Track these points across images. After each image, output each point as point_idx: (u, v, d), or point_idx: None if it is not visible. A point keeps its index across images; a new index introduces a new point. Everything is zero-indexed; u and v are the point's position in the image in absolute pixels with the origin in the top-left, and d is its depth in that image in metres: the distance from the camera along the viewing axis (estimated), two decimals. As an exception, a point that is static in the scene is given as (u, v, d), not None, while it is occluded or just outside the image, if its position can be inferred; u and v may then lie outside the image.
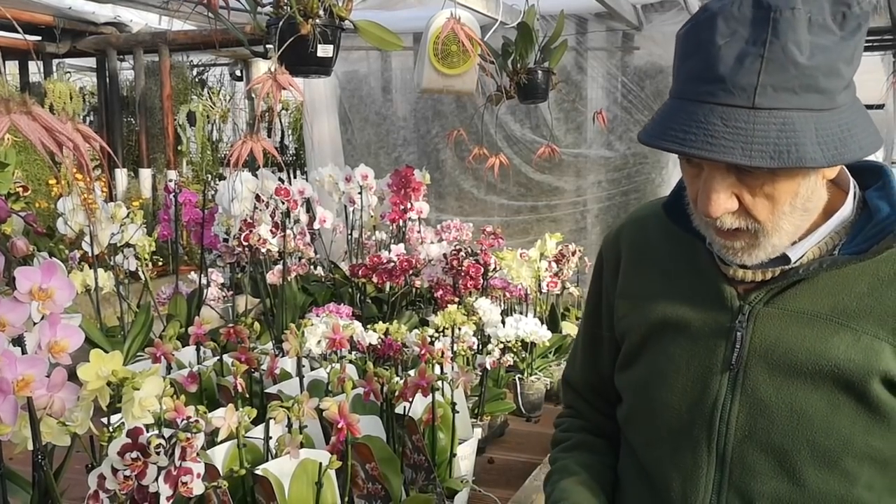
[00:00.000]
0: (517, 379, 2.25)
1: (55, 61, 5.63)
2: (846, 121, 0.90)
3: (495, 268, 2.58)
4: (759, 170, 0.91)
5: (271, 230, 2.44)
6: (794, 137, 0.87)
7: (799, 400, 0.99)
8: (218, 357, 1.87)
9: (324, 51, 1.73)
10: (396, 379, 1.60)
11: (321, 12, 1.73)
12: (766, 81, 0.87)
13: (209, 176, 5.72)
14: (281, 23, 1.70)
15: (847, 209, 1.03)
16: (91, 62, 5.84)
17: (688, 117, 0.90)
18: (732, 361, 1.03)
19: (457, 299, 2.43)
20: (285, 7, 1.71)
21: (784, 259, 1.01)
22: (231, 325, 1.88)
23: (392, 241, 3.09)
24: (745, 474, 1.02)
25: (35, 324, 1.12)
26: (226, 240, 2.58)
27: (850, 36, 0.89)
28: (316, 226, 2.90)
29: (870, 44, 4.17)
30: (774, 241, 0.98)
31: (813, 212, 1.00)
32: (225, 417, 1.34)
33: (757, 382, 1.01)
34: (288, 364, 1.92)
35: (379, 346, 1.95)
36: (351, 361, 1.83)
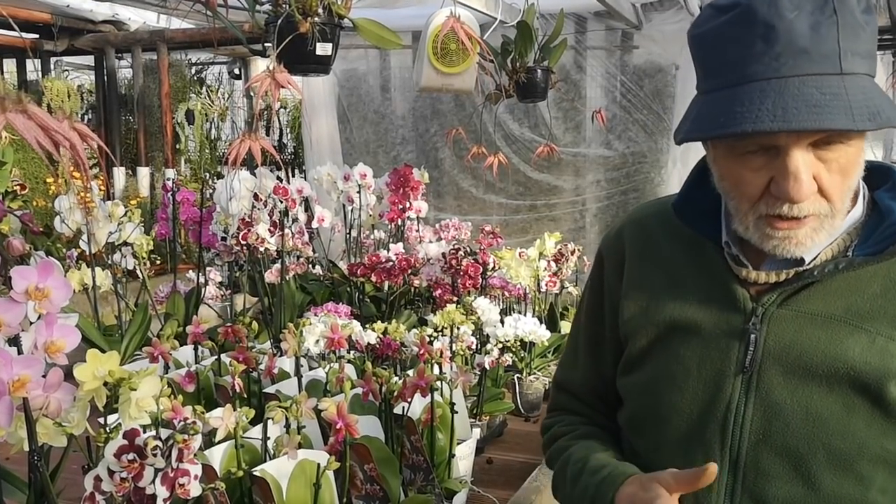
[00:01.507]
0: (516, 378, 2.25)
1: (53, 59, 5.62)
2: (882, 90, 0.93)
3: (494, 267, 2.58)
4: (845, 135, 0.91)
5: (269, 229, 2.43)
6: (875, 100, 0.89)
7: (814, 403, 0.98)
8: (216, 356, 1.86)
9: (322, 49, 1.73)
10: (395, 379, 1.59)
11: (320, 10, 1.72)
12: (846, 47, 0.88)
13: (207, 174, 5.72)
14: (280, 21, 1.69)
15: (859, 210, 1.02)
16: (89, 60, 5.83)
17: (777, 95, 0.88)
18: (746, 364, 1.01)
19: (455, 298, 2.43)
20: (284, 5, 1.70)
21: (798, 260, 1.00)
22: (229, 324, 1.87)
23: (391, 240, 3.09)
24: (759, 478, 1.00)
25: (31, 323, 1.11)
26: (224, 238, 2.57)
27: (869, 12, 0.92)
28: (314, 225, 2.89)
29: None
30: (836, 223, 0.97)
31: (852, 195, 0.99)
32: (223, 418, 1.33)
33: (771, 385, 1.00)
34: (286, 364, 1.91)
35: (377, 346, 1.94)
36: (349, 361, 1.82)
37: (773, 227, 0.96)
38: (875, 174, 1.04)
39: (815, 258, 1.00)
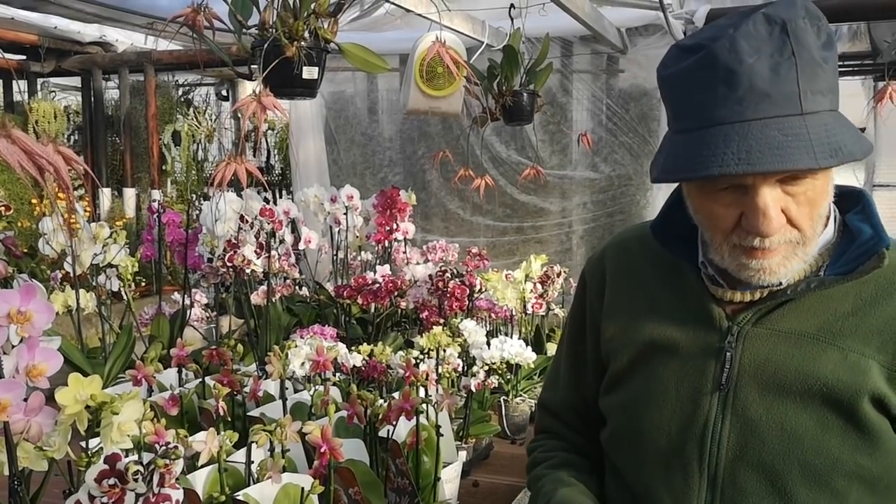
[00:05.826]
0: (502, 401, 2.24)
1: (40, 80, 5.61)
2: (848, 121, 0.96)
3: (481, 289, 2.58)
4: (809, 173, 0.94)
5: (256, 251, 2.43)
6: (837, 136, 0.91)
7: (789, 419, 1.00)
8: (200, 379, 1.85)
9: (309, 73, 1.74)
10: (380, 402, 1.59)
11: (306, 34, 1.73)
12: (805, 87, 0.91)
13: (194, 196, 5.70)
14: (266, 45, 1.70)
15: (830, 232, 1.05)
16: (76, 81, 5.82)
17: (741, 139, 0.91)
18: (722, 381, 1.04)
19: (442, 321, 2.42)
20: (270, 29, 1.71)
21: None
22: (214, 346, 1.86)
23: (377, 261, 3.09)
24: (737, 495, 1.02)
25: (13, 347, 1.10)
26: (210, 260, 2.57)
27: (829, 47, 0.94)
28: (301, 246, 2.89)
29: (851, 68, 4.24)
30: (809, 249, 1.00)
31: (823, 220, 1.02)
32: (206, 441, 1.32)
33: (747, 402, 1.02)
34: (271, 386, 1.90)
35: (363, 368, 1.93)
36: (335, 384, 1.81)
37: (748, 257, 0.99)
38: (846, 198, 1.08)
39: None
